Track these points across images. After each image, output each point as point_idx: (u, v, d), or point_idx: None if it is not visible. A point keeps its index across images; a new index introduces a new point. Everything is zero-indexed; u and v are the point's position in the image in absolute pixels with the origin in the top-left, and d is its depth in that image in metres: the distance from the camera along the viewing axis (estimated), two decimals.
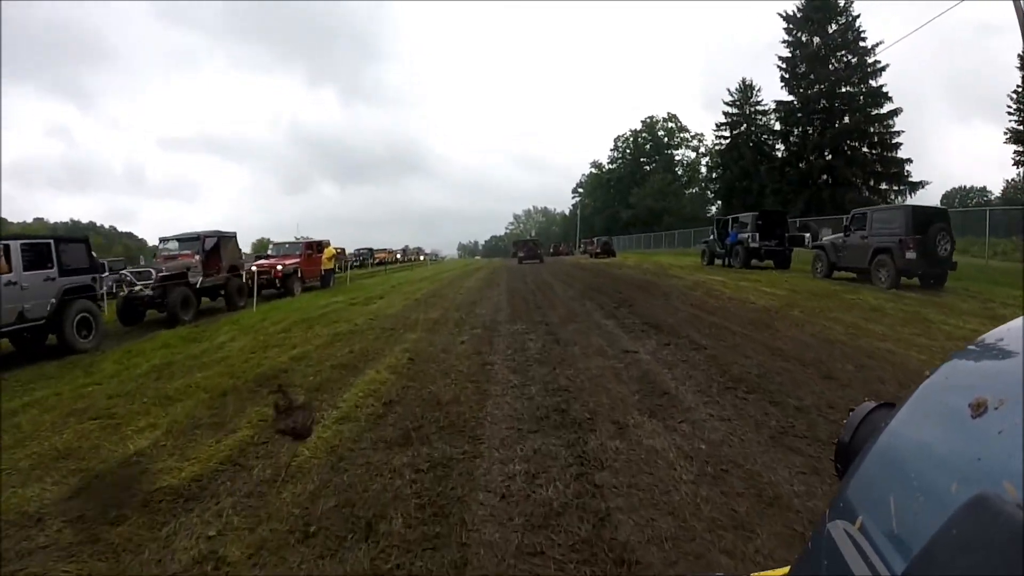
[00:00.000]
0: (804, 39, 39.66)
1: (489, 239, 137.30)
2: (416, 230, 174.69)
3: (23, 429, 5.11)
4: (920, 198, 36.61)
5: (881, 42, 36.22)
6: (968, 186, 61.19)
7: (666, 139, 67.38)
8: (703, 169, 62.38)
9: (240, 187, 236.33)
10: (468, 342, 7.67)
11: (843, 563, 0.41)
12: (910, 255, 12.47)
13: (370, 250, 47.56)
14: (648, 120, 68.33)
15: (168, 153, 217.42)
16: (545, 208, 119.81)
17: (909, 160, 37.36)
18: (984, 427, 0.37)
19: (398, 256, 53.76)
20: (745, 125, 46.58)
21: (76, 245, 11.41)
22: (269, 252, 22.59)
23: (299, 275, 18.65)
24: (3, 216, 75.93)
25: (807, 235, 19.01)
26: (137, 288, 12.94)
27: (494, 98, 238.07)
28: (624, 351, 6.56)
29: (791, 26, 40.01)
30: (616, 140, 71.20)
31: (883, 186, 38.02)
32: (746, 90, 46.93)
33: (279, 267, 18.19)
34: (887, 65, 37.13)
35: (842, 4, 38.22)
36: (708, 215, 53.46)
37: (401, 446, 3.75)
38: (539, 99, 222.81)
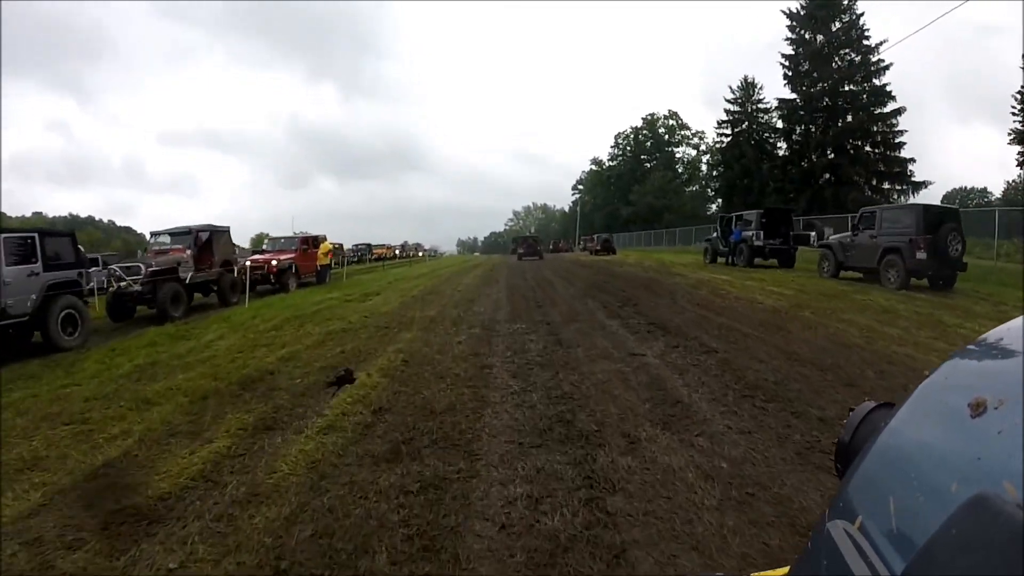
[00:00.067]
0: (808, 37, 39.28)
1: (488, 235, 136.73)
2: (415, 226, 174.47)
3: None
4: (923, 198, 36.24)
5: (885, 40, 35.88)
6: (969, 187, 60.87)
7: (667, 136, 66.92)
8: (703, 167, 62.08)
9: (240, 182, 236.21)
10: (466, 342, 7.31)
11: (843, 563, 0.41)
12: (921, 255, 12.15)
13: (368, 246, 47.19)
14: (649, 117, 67.90)
15: (168, 148, 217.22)
16: (545, 205, 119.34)
17: (912, 160, 37.09)
18: (984, 427, 0.37)
19: (397, 252, 53.37)
20: (747, 123, 46.18)
21: (61, 239, 11.06)
22: (264, 247, 22.23)
23: (294, 271, 18.24)
24: (2, 210, 75.43)
25: (812, 234, 18.61)
26: (123, 284, 12.55)
27: (494, 95, 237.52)
28: (631, 354, 6.19)
29: (794, 23, 39.63)
30: (617, 137, 70.76)
31: (886, 185, 37.67)
32: (748, 88, 46.54)
33: (274, 262, 17.78)
34: (891, 64, 36.82)
35: (845, 2, 37.80)
36: (708, 213, 53.21)
37: (389, 462, 3.39)
38: (539, 96, 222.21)
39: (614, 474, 3.13)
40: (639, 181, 61.49)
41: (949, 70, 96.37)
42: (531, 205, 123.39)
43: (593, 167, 75.52)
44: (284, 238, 20.76)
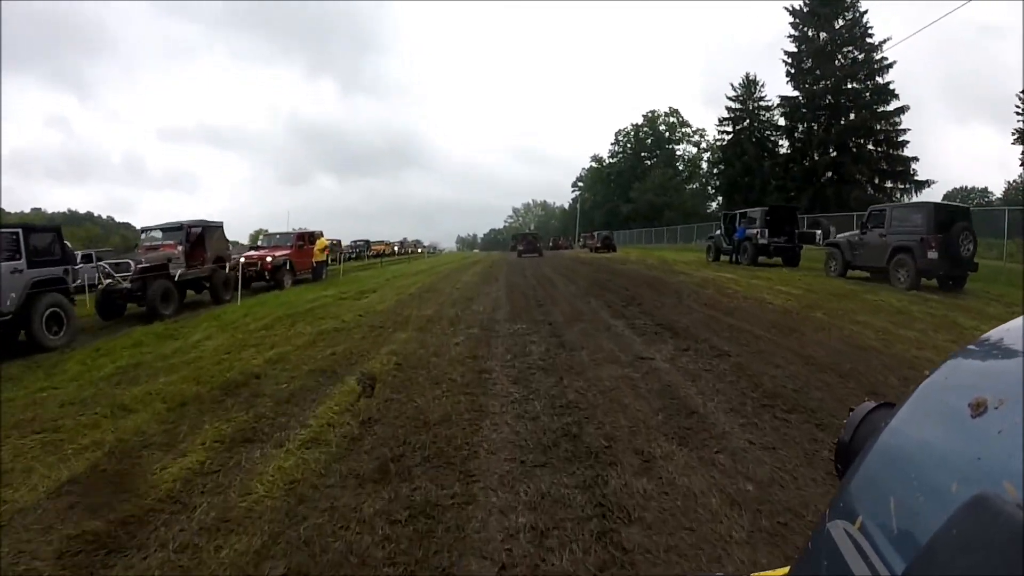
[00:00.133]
0: (810, 34, 38.88)
1: (488, 232, 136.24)
2: (415, 223, 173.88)
3: None
4: (925, 197, 35.86)
5: (889, 38, 35.51)
6: (969, 187, 60.58)
7: (667, 134, 66.52)
8: (704, 165, 61.71)
9: (239, 178, 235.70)
10: (463, 344, 6.95)
11: (843, 563, 0.41)
12: (932, 255, 11.81)
13: (367, 242, 46.76)
14: (649, 114, 67.53)
15: (167, 144, 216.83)
16: (544, 202, 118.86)
17: (915, 158, 36.71)
18: (984, 427, 0.37)
19: (396, 249, 53.01)
20: (748, 120, 45.77)
21: (46, 235, 10.68)
22: (259, 243, 21.86)
23: (289, 267, 17.87)
24: (2, 207, 75.04)
25: (818, 232, 18.25)
26: (108, 281, 12.19)
27: (494, 93, 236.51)
28: (639, 357, 5.84)
29: (797, 20, 39.23)
30: (617, 134, 70.34)
31: (888, 184, 37.31)
32: (749, 85, 46.12)
33: (268, 259, 17.41)
34: (894, 62, 36.43)
35: (848, 0, 37.38)
36: (708, 211, 52.91)
37: (376, 483, 3.03)
38: (539, 94, 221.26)
39: (628, 500, 2.78)
40: (639, 178, 61.13)
41: (949, 70, 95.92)
42: (531, 202, 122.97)
43: (593, 164, 75.19)
44: (280, 234, 20.37)
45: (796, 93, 39.92)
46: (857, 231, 14.16)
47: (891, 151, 37.21)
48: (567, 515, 2.64)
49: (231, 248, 17.76)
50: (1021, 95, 32.42)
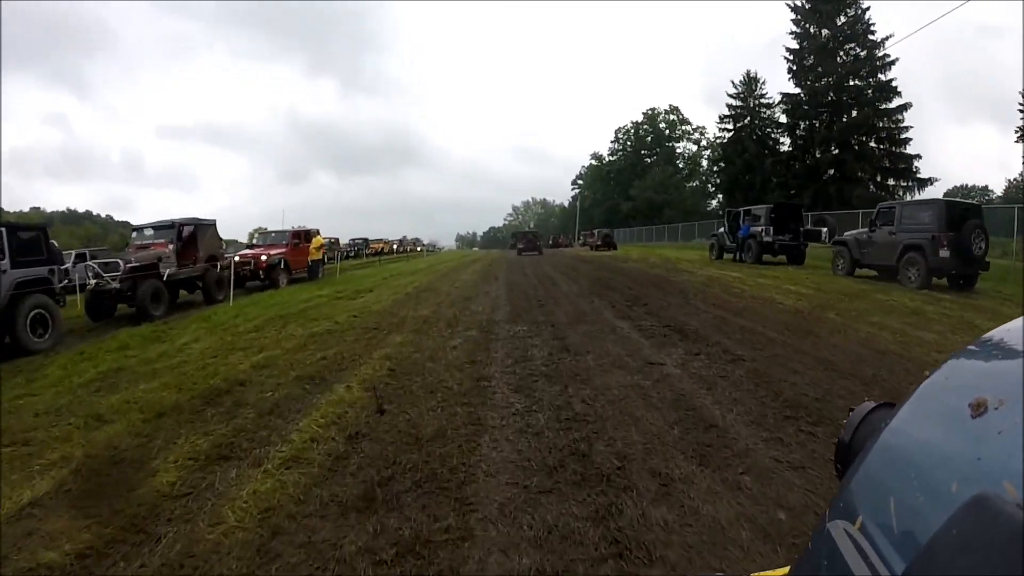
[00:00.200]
0: (812, 31, 38.48)
1: (487, 230, 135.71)
2: (414, 221, 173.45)
3: None
4: (927, 195, 35.58)
5: (891, 35, 35.11)
6: (970, 185, 60.27)
7: (667, 131, 66.06)
8: (704, 163, 61.32)
9: (239, 177, 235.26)
10: (461, 347, 6.61)
11: (843, 563, 0.40)
12: (944, 253, 11.50)
13: (365, 240, 46.31)
14: (649, 112, 67.04)
15: (166, 142, 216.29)
16: (544, 200, 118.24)
17: (918, 156, 36.33)
18: (984, 427, 0.36)
19: (394, 247, 52.60)
20: (749, 118, 45.38)
21: (31, 234, 10.33)
22: (255, 241, 21.51)
23: (284, 266, 17.51)
24: (1, 205, 74.61)
25: (824, 230, 17.86)
26: (97, 281, 11.84)
27: (494, 91, 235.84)
28: (648, 363, 5.49)
29: (799, 17, 38.83)
30: (617, 132, 69.82)
31: (891, 182, 36.96)
32: (750, 82, 45.72)
33: (263, 257, 17.05)
34: (896, 59, 36.04)
35: None
36: (708, 209, 52.57)
37: (360, 512, 2.69)
38: (539, 93, 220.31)
39: (647, 534, 2.44)
40: (639, 176, 60.71)
41: (949, 70, 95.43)
42: (530, 200, 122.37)
43: (593, 162, 74.68)
44: (275, 232, 19.99)
45: (798, 90, 39.51)
46: (865, 229, 13.82)
47: (894, 148, 36.84)
48: (578, 554, 2.30)
49: (225, 246, 17.41)
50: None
